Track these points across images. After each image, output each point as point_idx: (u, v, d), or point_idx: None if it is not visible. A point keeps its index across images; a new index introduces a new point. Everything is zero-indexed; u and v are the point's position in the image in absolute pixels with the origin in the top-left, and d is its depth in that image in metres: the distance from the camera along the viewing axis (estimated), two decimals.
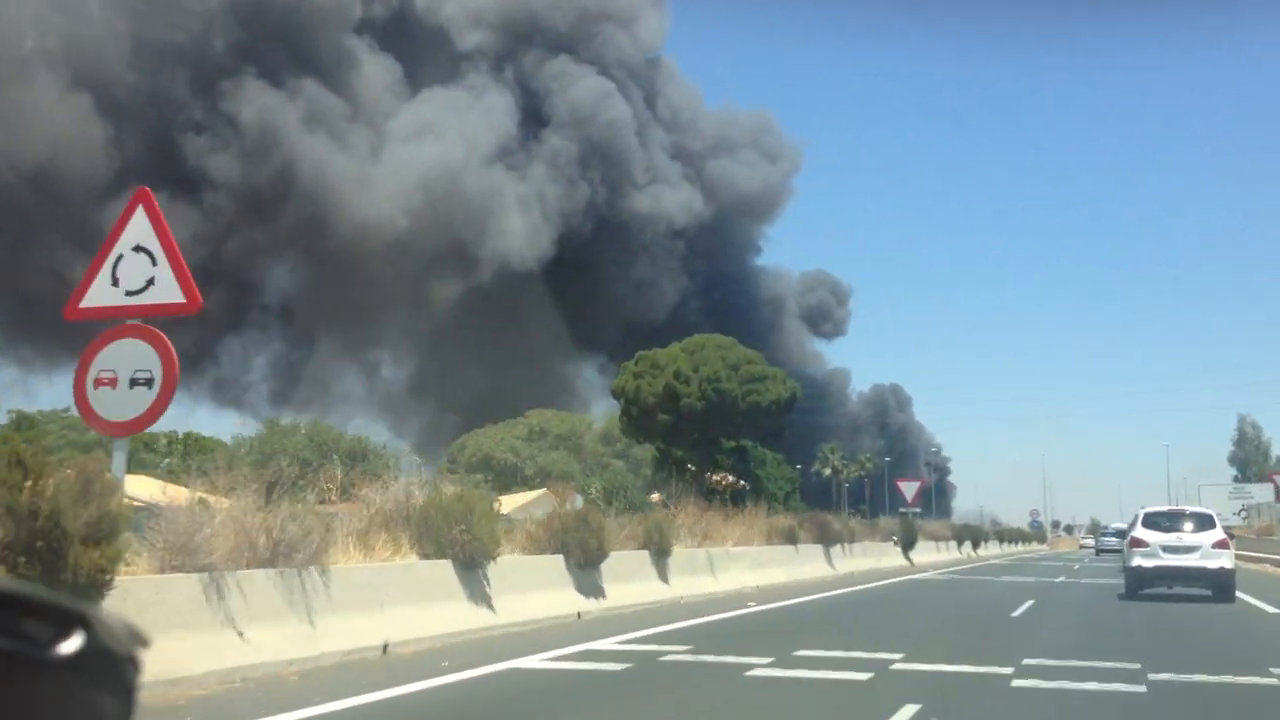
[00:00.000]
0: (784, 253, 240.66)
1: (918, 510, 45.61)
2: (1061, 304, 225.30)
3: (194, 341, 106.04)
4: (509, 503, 53.81)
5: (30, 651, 1.12)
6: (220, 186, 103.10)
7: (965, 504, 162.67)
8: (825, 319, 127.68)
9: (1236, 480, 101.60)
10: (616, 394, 75.40)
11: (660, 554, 22.38)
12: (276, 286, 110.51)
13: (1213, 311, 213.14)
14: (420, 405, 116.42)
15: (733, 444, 79.47)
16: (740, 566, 24.76)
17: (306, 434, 71.63)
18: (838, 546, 33.55)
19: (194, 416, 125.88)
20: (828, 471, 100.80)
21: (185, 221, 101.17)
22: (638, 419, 75.09)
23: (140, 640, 1.25)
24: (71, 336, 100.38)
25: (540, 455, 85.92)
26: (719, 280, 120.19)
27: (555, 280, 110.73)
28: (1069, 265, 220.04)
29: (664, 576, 22.17)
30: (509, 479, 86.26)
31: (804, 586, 27.19)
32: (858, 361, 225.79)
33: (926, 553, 44.03)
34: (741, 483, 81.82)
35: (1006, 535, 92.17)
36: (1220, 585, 24.85)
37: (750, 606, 21.76)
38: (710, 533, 26.60)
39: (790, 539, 30.19)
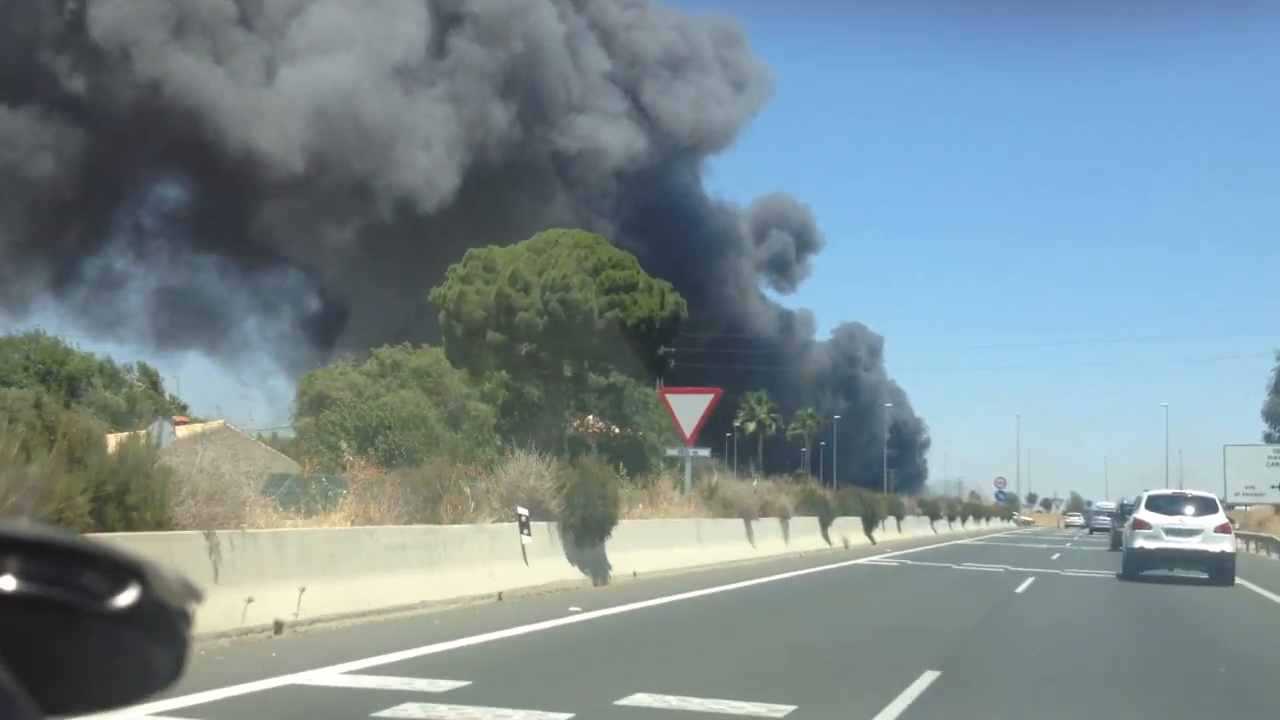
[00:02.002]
0: (746, 182, 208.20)
1: (704, 453, 19.58)
2: (1044, 264, 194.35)
3: (56, 267, 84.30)
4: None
5: (86, 603, 1.01)
6: (86, 107, 79.72)
7: (946, 474, 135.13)
8: (783, 270, 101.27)
9: (1272, 439, 68.34)
10: (436, 305, 49.79)
11: None
12: (158, 205, 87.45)
13: (1216, 252, 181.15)
14: (328, 346, 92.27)
15: (603, 380, 53.85)
16: None
17: (26, 352, 46.36)
18: None
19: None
20: (751, 426, 74.37)
21: (59, 145, 78.82)
22: (463, 340, 49.51)
23: (194, 594, 1.10)
24: None
25: (387, 394, 59.73)
26: (661, 219, 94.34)
27: (468, 216, 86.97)
28: (1055, 231, 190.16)
29: None
30: None
31: None
32: (825, 312, 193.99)
33: (692, 544, 18.26)
34: (616, 430, 56.31)
35: (955, 510, 58.07)
36: (1220, 569, 22.23)
37: None
38: None
39: None
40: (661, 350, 58.30)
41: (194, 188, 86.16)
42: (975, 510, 64.23)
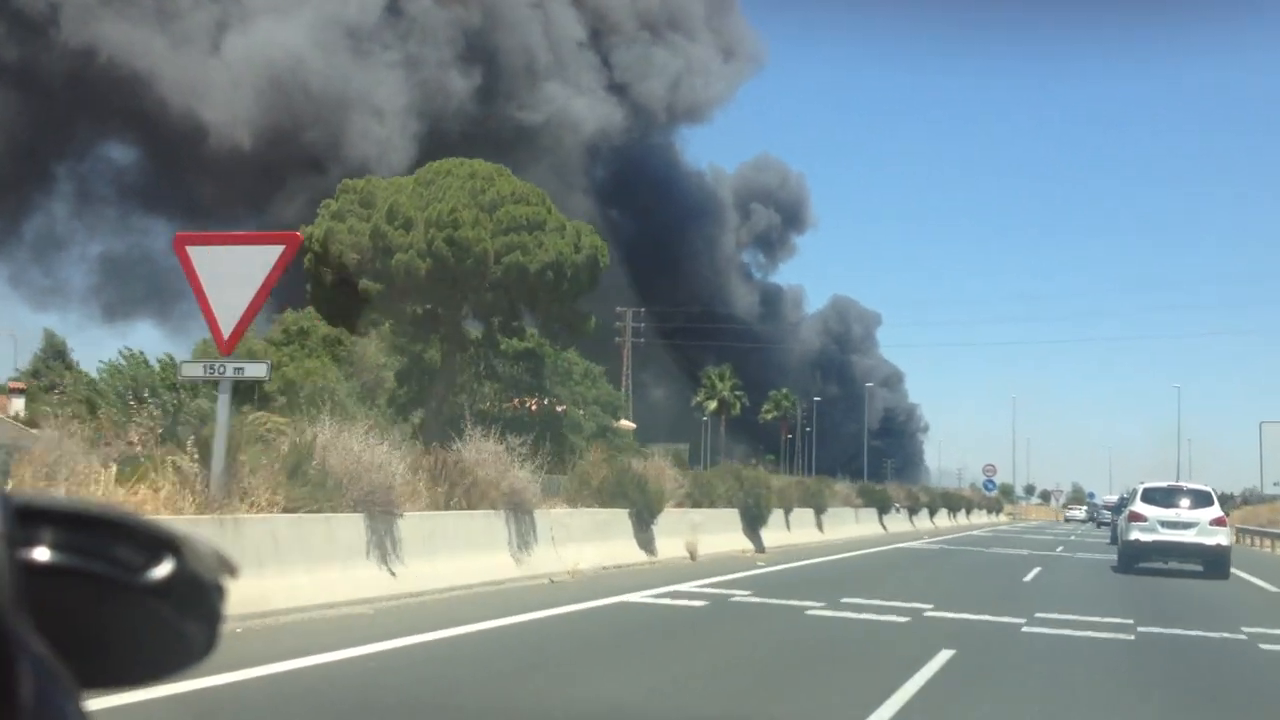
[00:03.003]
0: (737, 153, 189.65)
1: (260, 370, 8.94)
2: (1043, 240, 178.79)
3: None
4: None
5: (121, 576, 0.94)
6: (22, 76, 70.87)
7: (941, 463, 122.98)
8: (768, 246, 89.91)
9: None
10: (305, 246, 38.77)
11: None
12: (104, 168, 76.19)
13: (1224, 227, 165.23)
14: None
15: (518, 343, 42.99)
16: None
17: None
18: None
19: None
20: (713, 405, 62.76)
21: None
22: (332, 290, 38.50)
23: (228, 568, 1.03)
24: None
25: (291, 365, 48.77)
26: (638, 192, 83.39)
27: None
28: (1056, 206, 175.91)
29: None
30: (243, 394, 49.19)
31: None
32: (818, 290, 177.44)
33: None
34: (530, 405, 45.36)
35: (919, 501, 42.51)
36: (1215, 562, 20.75)
37: None
38: None
39: None
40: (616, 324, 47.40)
41: (140, 152, 76.92)
42: (949, 501, 50.56)
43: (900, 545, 25.39)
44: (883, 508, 33.54)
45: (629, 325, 68.37)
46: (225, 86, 68.72)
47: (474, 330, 40.49)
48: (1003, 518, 70.49)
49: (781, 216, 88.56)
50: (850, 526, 27.56)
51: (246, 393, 47.53)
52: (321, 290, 38.74)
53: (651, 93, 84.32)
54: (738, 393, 61.46)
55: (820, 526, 24.26)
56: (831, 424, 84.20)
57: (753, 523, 19.12)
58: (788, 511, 21.86)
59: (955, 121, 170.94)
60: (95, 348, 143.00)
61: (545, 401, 43.27)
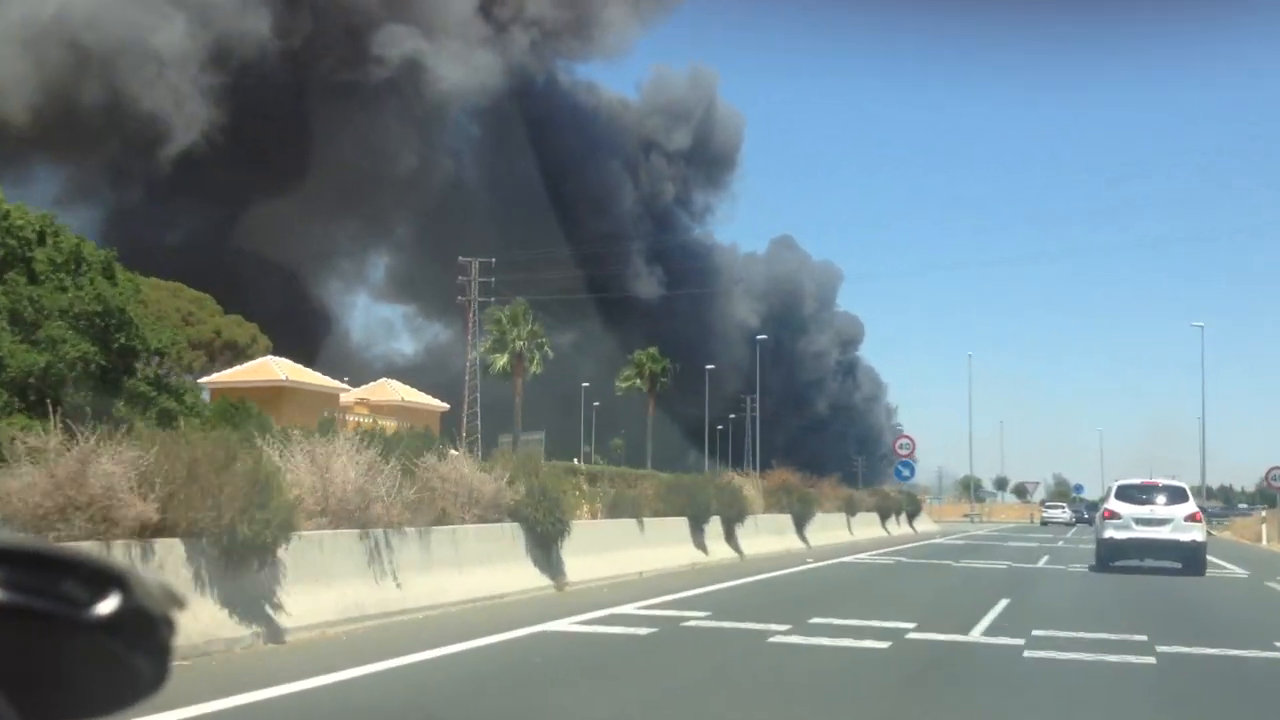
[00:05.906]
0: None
1: None
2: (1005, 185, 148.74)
3: None
4: None
5: (67, 612, 0.87)
6: None
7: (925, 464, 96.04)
8: (690, 196, 66.56)
9: None
10: None
11: None
12: None
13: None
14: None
15: None
16: None
17: None
18: None
19: None
20: (502, 361, 39.67)
21: None
22: None
23: (176, 601, 0.94)
24: None
25: None
26: (520, 143, 60.95)
27: (248, 150, 56.63)
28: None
29: None
30: None
31: None
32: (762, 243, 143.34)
33: None
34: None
35: (734, 506, 17.30)
36: (1191, 558, 19.18)
37: None
38: None
39: None
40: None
41: None
42: (791, 503, 21.78)
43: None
44: (699, 520, 14.53)
45: (475, 280, 44.84)
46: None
47: None
48: (930, 525, 40.59)
49: (709, 158, 65.52)
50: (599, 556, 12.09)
51: None
52: None
53: (525, 42, 62.41)
54: (540, 340, 37.75)
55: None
56: (771, 413, 59.61)
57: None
58: None
59: (923, 83, 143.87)
60: None
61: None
